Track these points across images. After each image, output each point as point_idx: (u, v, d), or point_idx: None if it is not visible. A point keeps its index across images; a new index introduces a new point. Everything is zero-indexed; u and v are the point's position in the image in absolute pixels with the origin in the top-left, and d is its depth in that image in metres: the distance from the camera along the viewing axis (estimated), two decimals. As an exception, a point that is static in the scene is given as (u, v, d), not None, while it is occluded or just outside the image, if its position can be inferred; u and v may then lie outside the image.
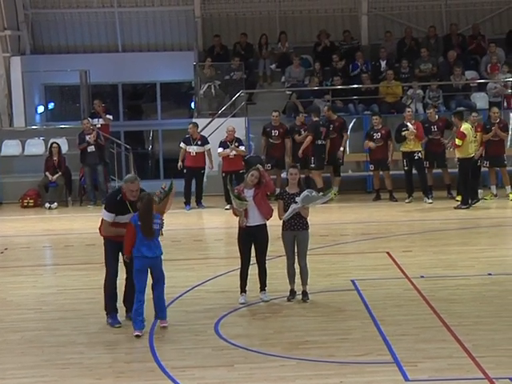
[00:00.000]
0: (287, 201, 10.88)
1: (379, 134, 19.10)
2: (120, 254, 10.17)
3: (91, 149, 20.05)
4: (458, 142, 17.46)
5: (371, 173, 19.50)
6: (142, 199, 9.79)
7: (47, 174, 20.34)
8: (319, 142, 19.12)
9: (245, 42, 23.51)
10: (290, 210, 10.80)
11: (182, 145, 19.14)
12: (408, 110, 19.05)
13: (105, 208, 10.16)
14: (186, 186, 19.00)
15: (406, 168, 18.75)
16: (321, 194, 11.17)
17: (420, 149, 18.58)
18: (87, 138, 20.04)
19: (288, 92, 22.12)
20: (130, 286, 10.32)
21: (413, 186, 18.82)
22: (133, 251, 9.80)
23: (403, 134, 18.52)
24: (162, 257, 10.08)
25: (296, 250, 10.97)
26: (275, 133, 19.57)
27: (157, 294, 10.03)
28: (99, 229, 10.34)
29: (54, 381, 8.44)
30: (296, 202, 10.76)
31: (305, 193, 10.78)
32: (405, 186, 18.92)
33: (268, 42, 23.57)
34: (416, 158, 18.54)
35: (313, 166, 19.11)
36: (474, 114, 18.77)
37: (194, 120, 20.62)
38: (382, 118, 19.40)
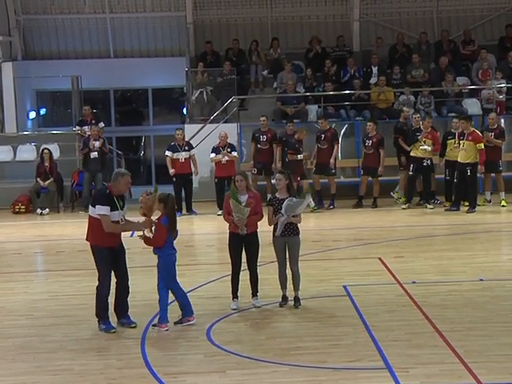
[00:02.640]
0: (277, 206, 10.86)
1: (370, 141, 19.06)
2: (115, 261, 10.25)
3: (94, 155, 20.01)
4: (480, 146, 17.76)
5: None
6: (167, 200, 10.14)
7: (39, 179, 20.31)
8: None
9: (237, 48, 23.52)
10: (278, 224, 10.78)
11: (169, 153, 19.05)
12: (428, 120, 18.77)
13: (98, 203, 10.04)
14: (176, 193, 18.97)
15: (411, 173, 18.58)
16: (299, 199, 10.93)
17: (431, 156, 18.53)
18: (91, 143, 19.98)
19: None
20: (121, 292, 10.33)
21: (414, 192, 18.78)
22: (163, 250, 10.11)
23: (422, 147, 18.39)
24: None
25: (287, 256, 10.96)
26: (263, 138, 19.55)
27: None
28: (86, 237, 10.31)
29: (45, 387, 8.43)
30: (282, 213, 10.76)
31: (286, 202, 10.73)
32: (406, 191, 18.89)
33: (258, 49, 23.57)
34: (424, 164, 18.53)
35: (333, 171, 19.16)
36: (454, 120, 18.85)
37: (185, 125, 20.60)
38: (376, 125, 19.33)
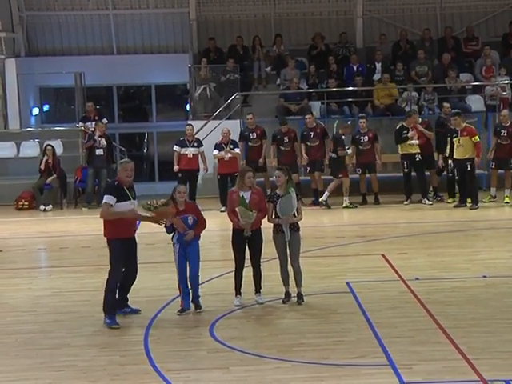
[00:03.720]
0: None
1: (366, 137, 19.07)
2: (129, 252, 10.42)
3: (99, 152, 20.01)
4: (476, 139, 17.82)
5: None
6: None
7: (42, 161, 20.19)
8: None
9: (241, 45, 23.49)
10: (284, 230, 10.78)
11: (177, 148, 19.09)
12: (412, 116, 18.90)
13: (105, 193, 10.42)
14: (181, 188, 18.93)
15: (405, 170, 18.79)
16: (286, 196, 10.82)
17: (419, 151, 18.59)
18: (97, 139, 19.97)
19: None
20: (127, 281, 10.54)
21: (411, 187, 18.86)
22: (196, 241, 10.67)
23: (409, 142, 18.54)
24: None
25: (288, 253, 10.96)
26: (253, 135, 19.51)
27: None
28: (104, 232, 10.43)
29: (48, 383, 8.42)
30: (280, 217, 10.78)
31: (278, 206, 10.73)
32: (403, 188, 18.97)
33: (262, 44, 23.53)
34: (417, 159, 18.59)
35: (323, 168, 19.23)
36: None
37: (188, 122, 20.62)
38: (368, 121, 19.38)
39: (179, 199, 10.62)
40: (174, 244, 10.72)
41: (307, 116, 19.30)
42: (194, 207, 10.77)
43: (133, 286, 10.71)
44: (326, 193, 18.72)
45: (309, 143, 19.02)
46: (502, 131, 18.55)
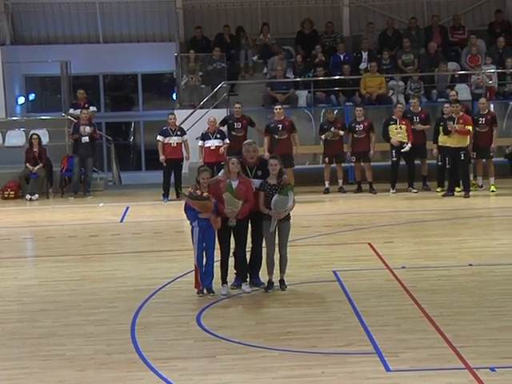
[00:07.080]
0: (269, 192, 10.85)
1: (361, 125, 19.08)
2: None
3: (85, 140, 19.94)
4: (470, 129, 17.84)
5: (353, 164, 19.53)
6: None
7: (28, 165, 20.20)
8: None
9: (228, 34, 23.42)
10: (271, 222, 10.77)
11: (160, 137, 19.00)
12: (399, 105, 18.98)
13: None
14: (166, 177, 18.94)
15: (393, 159, 18.80)
16: (282, 196, 10.79)
17: (408, 140, 18.62)
18: (81, 128, 19.91)
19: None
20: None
21: (397, 176, 18.89)
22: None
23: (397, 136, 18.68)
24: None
25: (277, 240, 10.96)
26: (238, 125, 19.40)
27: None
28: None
29: (35, 372, 8.41)
30: (271, 209, 10.77)
31: (274, 198, 10.71)
32: (390, 177, 18.93)
33: (247, 36, 23.37)
34: (404, 149, 18.60)
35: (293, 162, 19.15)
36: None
37: (175, 111, 20.56)
38: (365, 110, 19.41)
39: (203, 184, 10.82)
40: (192, 227, 10.85)
41: (277, 107, 18.88)
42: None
43: (120, 275, 11.00)
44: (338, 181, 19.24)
45: (277, 136, 18.78)
46: (481, 119, 18.54)
